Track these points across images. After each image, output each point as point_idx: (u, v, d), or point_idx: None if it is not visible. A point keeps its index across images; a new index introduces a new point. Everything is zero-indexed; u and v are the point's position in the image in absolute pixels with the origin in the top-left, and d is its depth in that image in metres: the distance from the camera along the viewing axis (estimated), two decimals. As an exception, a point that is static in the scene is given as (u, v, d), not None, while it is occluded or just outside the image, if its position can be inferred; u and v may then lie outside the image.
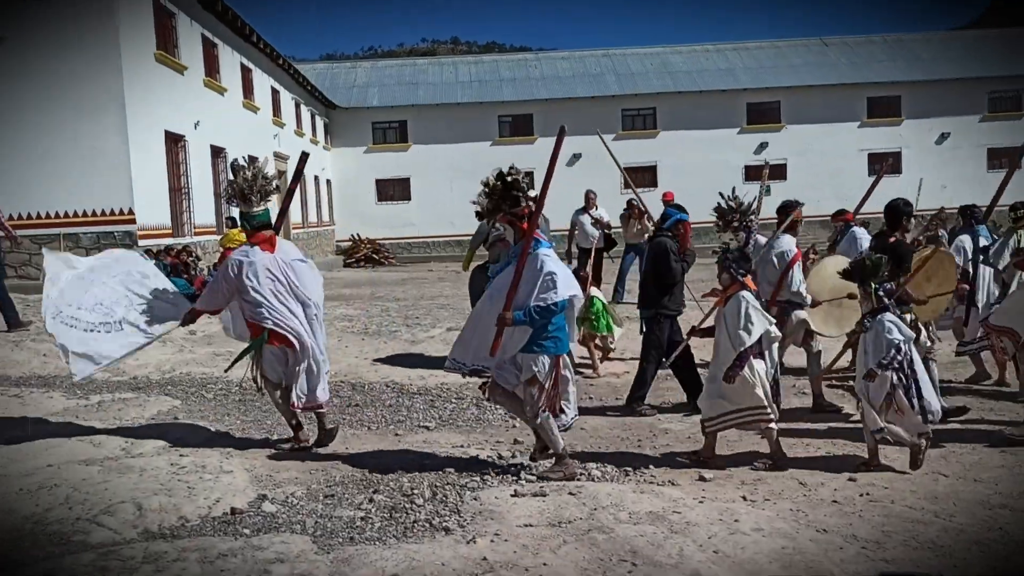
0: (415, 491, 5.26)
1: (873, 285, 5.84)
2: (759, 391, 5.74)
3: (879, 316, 5.78)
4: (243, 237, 20.18)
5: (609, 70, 38.17)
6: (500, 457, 6.20)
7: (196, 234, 19.46)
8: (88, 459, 6.05)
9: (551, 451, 5.67)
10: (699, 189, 19.14)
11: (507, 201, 5.69)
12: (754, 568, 4.11)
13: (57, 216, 16.10)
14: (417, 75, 39.18)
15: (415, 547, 4.40)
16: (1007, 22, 47.98)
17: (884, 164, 10.94)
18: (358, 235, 34.84)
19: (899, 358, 5.65)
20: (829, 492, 5.24)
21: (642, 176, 34.86)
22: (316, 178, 33.00)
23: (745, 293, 5.88)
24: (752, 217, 9.59)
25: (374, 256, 33.37)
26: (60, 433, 6.87)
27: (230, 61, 22.88)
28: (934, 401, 5.76)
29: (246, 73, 24.41)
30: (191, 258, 17.08)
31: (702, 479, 5.53)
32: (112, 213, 16.13)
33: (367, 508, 5.04)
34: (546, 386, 5.45)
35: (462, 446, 6.59)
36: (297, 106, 30.85)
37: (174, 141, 18.78)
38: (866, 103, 36.79)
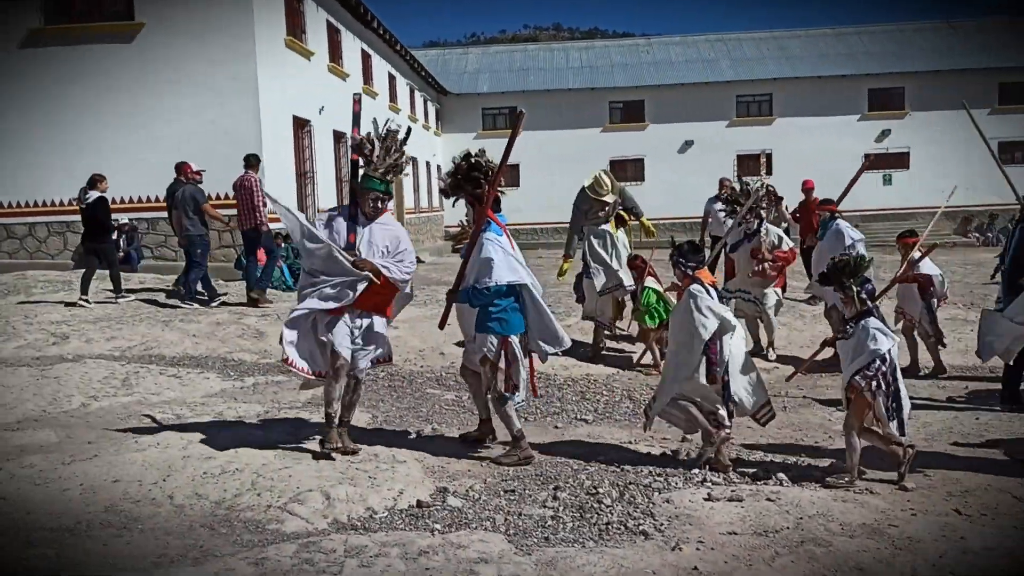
0: (599, 490, 5.07)
1: (855, 287, 5.38)
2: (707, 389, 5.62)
3: (862, 321, 5.31)
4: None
5: (723, 55, 37.23)
6: (674, 454, 5.98)
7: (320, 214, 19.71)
8: (260, 443, 6.05)
9: (511, 435, 5.86)
10: (816, 178, 18.35)
11: (469, 182, 5.96)
12: (997, 594, 3.77)
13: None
14: (527, 61, 39.01)
15: (618, 552, 4.20)
16: None
17: (865, 161, 10.39)
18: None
19: (883, 368, 5.20)
20: (1051, 510, 4.83)
21: (756, 164, 33.92)
22: (428, 164, 33.23)
23: (695, 287, 5.61)
24: (763, 205, 9.29)
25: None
26: (226, 416, 6.95)
27: (351, 47, 23.10)
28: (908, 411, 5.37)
29: (366, 59, 24.64)
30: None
31: (903, 488, 5.17)
32: (243, 197, 16.43)
33: (553, 506, 4.88)
34: (499, 365, 5.67)
35: (629, 442, 6.38)
36: (411, 92, 31.06)
37: (300, 126, 19.05)
38: (997, 89, 34.91)
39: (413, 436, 6.57)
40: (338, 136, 21.59)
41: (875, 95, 35.12)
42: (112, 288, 12.30)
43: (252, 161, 12.49)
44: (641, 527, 4.52)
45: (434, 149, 34.90)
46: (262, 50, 16.54)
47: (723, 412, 5.63)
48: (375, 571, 3.90)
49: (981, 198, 31.69)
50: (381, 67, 26.46)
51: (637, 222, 9.01)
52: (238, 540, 4.36)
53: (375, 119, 6.02)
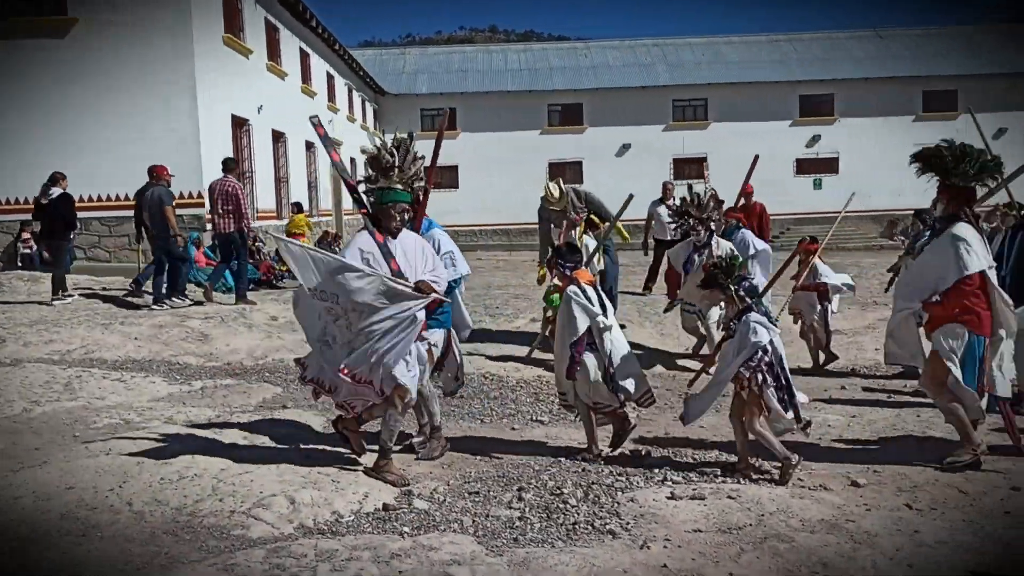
0: (564, 491, 5.12)
1: (732, 286, 5.60)
2: (599, 385, 5.84)
3: (744, 317, 5.53)
4: (308, 222, 20.17)
5: (660, 60, 37.78)
6: (634, 454, 6.06)
7: (258, 219, 19.44)
8: (216, 448, 5.96)
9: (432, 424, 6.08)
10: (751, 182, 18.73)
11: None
12: (954, 585, 3.92)
13: (127, 199, 16.09)
14: (465, 62, 39.04)
15: (588, 551, 4.25)
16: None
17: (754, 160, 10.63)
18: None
19: (766, 359, 5.41)
20: (996, 503, 5.02)
21: (692, 167, 34.53)
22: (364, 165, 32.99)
23: (571, 289, 5.86)
24: (715, 216, 9.34)
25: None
26: (177, 420, 6.83)
27: (290, 45, 22.84)
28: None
29: (304, 58, 24.37)
30: (256, 243, 17.07)
31: (855, 484, 5.33)
32: (182, 197, 16.09)
33: (519, 507, 4.90)
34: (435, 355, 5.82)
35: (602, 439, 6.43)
36: (350, 92, 30.81)
37: (239, 125, 18.76)
38: (922, 97, 36.13)
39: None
40: (277, 136, 21.32)
41: (806, 101, 36.04)
42: (52, 289, 12.00)
43: (231, 165, 12.69)
44: (608, 526, 4.57)
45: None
46: (200, 47, 16.26)
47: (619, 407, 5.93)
48: (348, 575, 3.88)
49: (907, 202, 32.68)
50: (319, 66, 26.19)
51: (610, 226, 9.07)
52: (204, 547, 4.29)
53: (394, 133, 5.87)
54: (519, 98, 36.21)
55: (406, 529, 4.56)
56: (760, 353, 5.39)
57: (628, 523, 4.62)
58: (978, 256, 5.57)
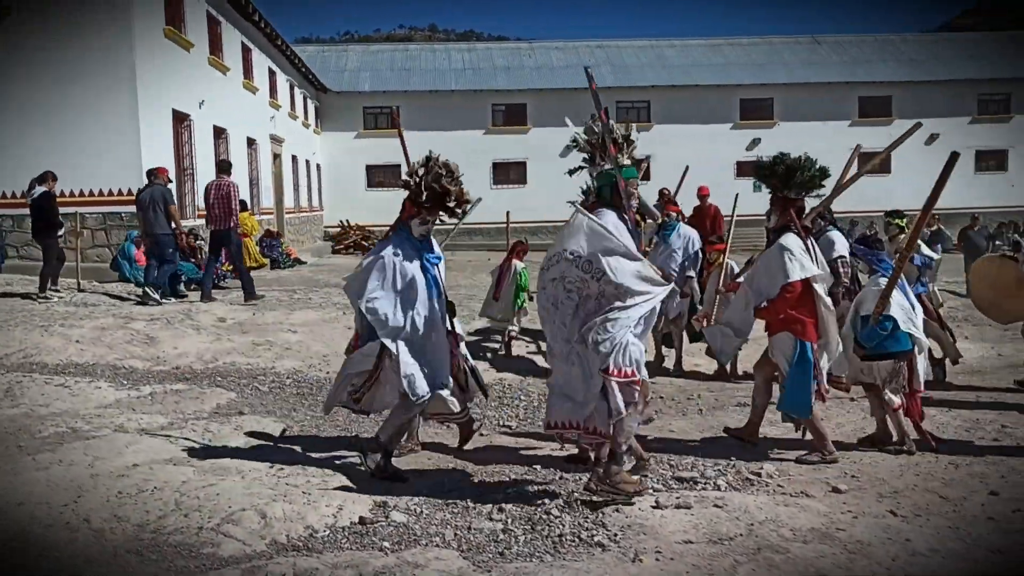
0: (545, 500, 4.95)
1: None
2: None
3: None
4: (254, 221, 19.70)
5: (604, 61, 37.89)
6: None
7: (199, 216, 18.88)
8: (173, 458, 5.67)
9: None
10: (692, 184, 18.80)
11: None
12: (954, 595, 3.86)
13: (61, 195, 15.45)
14: (409, 61, 38.64)
15: (579, 565, 4.09)
16: (984, 25, 48.54)
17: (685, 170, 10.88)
18: (347, 221, 34.37)
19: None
20: (977, 507, 5.00)
21: (637, 169, 34.68)
22: (307, 162, 32.43)
23: None
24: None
25: (363, 243, 32.88)
26: (128, 428, 6.49)
27: (232, 40, 22.25)
28: None
29: (246, 53, 23.79)
30: (198, 242, 16.59)
31: (836, 490, 5.27)
32: (121, 193, 15.57)
33: (501, 519, 4.72)
34: None
35: (560, 448, 6.28)
36: (291, 88, 30.21)
37: (180, 120, 18.18)
38: (857, 102, 36.91)
39: (338, 448, 6.28)
40: (218, 132, 20.76)
41: (746, 105, 36.52)
42: (39, 286, 12.33)
43: (225, 167, 13.45)
44: (596, 538, 4.42)
45: (313, 147, 34.08)
46: (140, 40, 15.69)
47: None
48: (332, 596, 3.67)
49: (843, 205, 33.34)
50: (261, 62, 25.60)
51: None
52: (172, 567, 4.02)
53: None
54: (463, 97, 35.96)
55: (386, 544, 4.35)
56: None
57: (616, 534, 4.48)
58: (801, 265, 5.85)
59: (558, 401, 4.98)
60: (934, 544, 4.40)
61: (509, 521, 4.69)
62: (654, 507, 4.84)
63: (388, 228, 5.77)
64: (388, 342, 5.28)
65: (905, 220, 8.58)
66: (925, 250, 8.54)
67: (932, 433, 6.43)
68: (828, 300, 5.99)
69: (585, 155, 5.34)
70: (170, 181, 13.24)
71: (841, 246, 7.79)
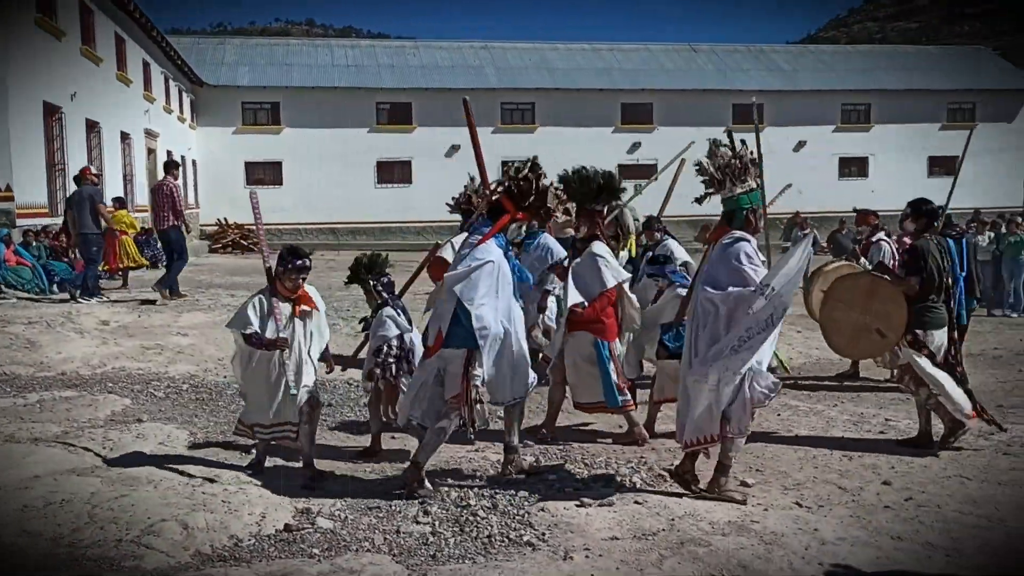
0: (471, 502, 4.99)
1: (371, 281, 6.09)
2: None
3: (380, 311, 6.00)
4: (131, 219, 18.91)
5: (488, 63, 38.09)
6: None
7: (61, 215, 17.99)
8: (76, 469, 5.42)
9: None
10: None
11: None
12: (866, 581, 4.11)
13: (-77, 191, 14.50)
14: (290, 56, 37.79)
15: (512, 565, 4.16)
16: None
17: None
18: (225, 220, 33.36)
19: (394, 352, 5.92)
20: (874, 497, 5.32)
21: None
22: (183, 158, 31.29)
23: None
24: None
25: (242, 242, 32.02)
26: (19, 438, 6.16)
27: (105, 30, 21.29)
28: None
29: (120, 43, 22.78)
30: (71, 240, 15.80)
31: (745, 484, 5.50)
32: (-12, 189, 14.68)
33: (427, 521, 4.74)
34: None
35: (476, 449, 6.33)
36: (166, 81, 29.11)
37: (51, 113, 17.27)
38: (732, 109, 38.33)
39: (249, 453, 6.13)
40: (91, 125, 19.83)
41: (627, 109, 37.40)
42: None
43: (171, 167, 13.63)
44: (525, 538, 4.50)
45: (189, 143, 32.95)
46: (10, 27, 14.83)
47: None
48: (269, 606, 3.61)
49: (708, 209, 34.60)
50: (135, 53, 24.58)
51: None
52: (92, 583, 3.87)
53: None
54: (346, 95, 35.44)
55: (316, 551, 4.30)
56: (386, 347, 5.85)
57: (544, 533, 4.56)
58: (615, 271, 6.39)
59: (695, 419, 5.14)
60: (840, 533, 4.67)
61: (436, 524, 4.71)
62: (578, 506, 4.96)
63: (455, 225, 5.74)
64: (482, 350, 5.07)
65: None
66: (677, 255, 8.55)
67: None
68: (635, 299, 6.66)
69: (707, 179, 5.35)
70: (96, 182, 13.44)
71: (680, 254, 8.50)
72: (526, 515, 4.82)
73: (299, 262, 5.44)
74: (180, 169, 14.17)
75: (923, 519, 4.95)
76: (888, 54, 44.19)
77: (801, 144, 38.41)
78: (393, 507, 4.98)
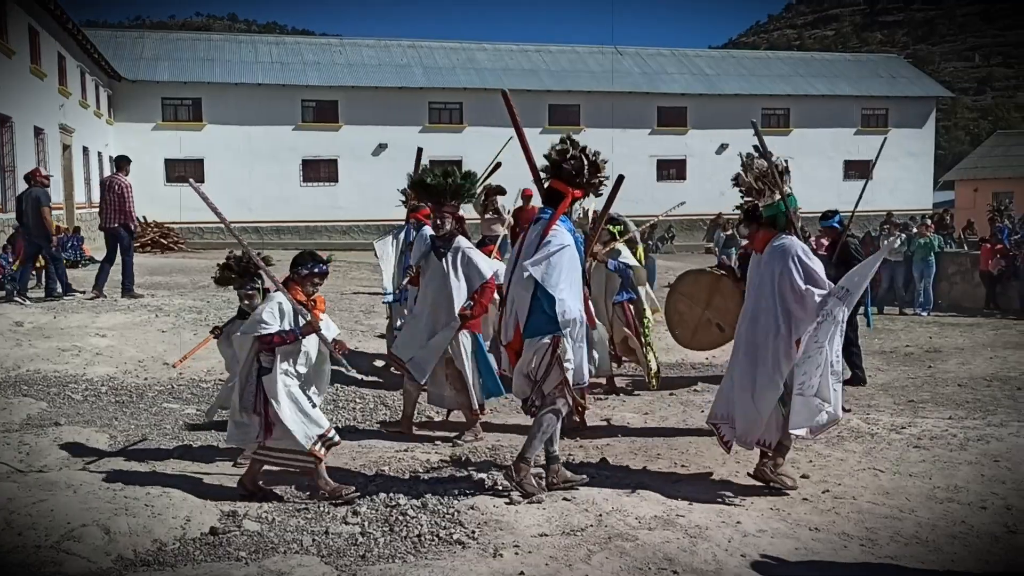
0: (400, 502, 4.99)
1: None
2: None
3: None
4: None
5: (416, 62, 37.89)
6: (454, 460, 6.02)
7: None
8: (-11, 474, 5.25)
9: None
10: (504, 186, 19.32)
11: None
12: (785, 572, 4.24)
13: None
14: (212, 51, 36.97)
15: (442, 564, 4.18)
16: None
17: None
18: (144, 218, 32.48)
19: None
20: (794, 490, 5.49)
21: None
22: (99, 154, 30.42)
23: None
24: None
25: (162, 241, 31.26)
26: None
27: (18, 21, 20.54)
28: None
29: (34, 36, 22.01)
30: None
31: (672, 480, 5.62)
32: None
33: (356, 522, 4.73)
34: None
35: (405, 449, 6.33)
36: (82, 75, 28.22)
37: (-41, 106, 16.62)
38: (656, 112, 38.94)
39: (170, 456, 6.01)
40: (3, 120, 19.14)
41: (554, 110, 37.64)
42: None
43: (122, 163, 13.21)
44: (455, 536, 4.52)
45: (106, 139, 32.01)
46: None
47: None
48: (196, 610, 3.56)
49: (645, 208, 35.12)
50: (50, 46, 23.76)
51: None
52: (9, 591, 3.76)
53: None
54: (271, 92, 34.85)
55: (243, 554, 4.25)
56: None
57: (474, 531, 4.59)
58: (487, 262, 6.63)
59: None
60: (761, 525, 4.82)
61: (366, 524, 4.70)
62: (507, 503, 5.00)
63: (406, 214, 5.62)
64: (567, 335, 5.09)
65: (620, 227, 8.83)
66: (624, 257, 8.61)
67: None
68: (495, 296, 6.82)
69: (745, 189, 5.56)
70: (47, 183, 13.06)
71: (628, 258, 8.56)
72: (456, 513, 4.84)
73: (324, 267, 5.37)
74: (131, 165, 13.47)
75: (839, 510, 5.13)
76: (806, 61, 45.34)
77: (724, 147, 39.15)
78: (322, 508, 4.96)
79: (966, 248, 21.13)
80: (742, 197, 5.74)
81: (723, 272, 7.48)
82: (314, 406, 5.21)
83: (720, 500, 5.26)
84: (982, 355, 10.93)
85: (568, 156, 5.25)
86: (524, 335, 5.11)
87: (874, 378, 9.42)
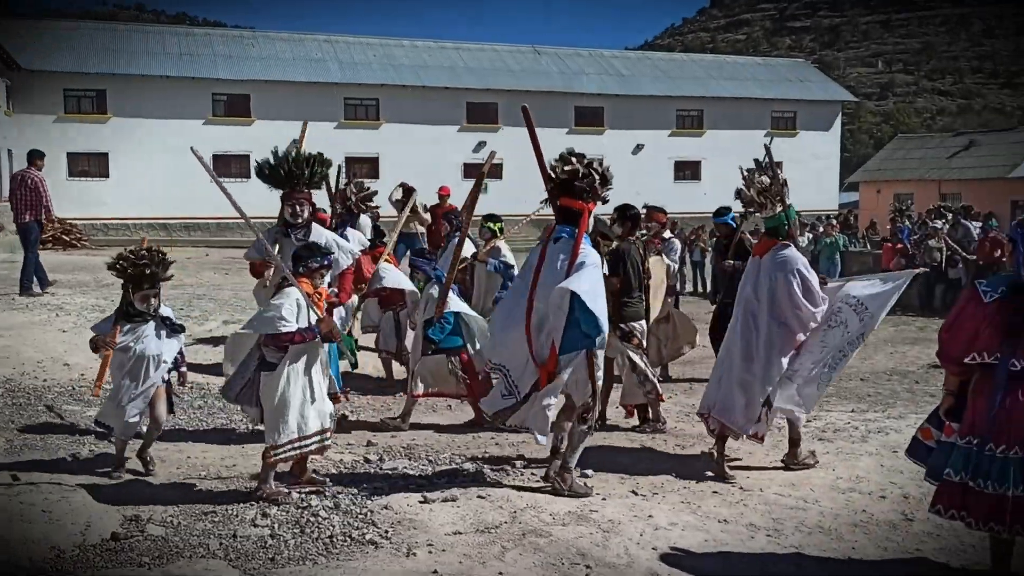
0: (312, 503, 4.90)
1: None
2: None
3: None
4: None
5: (331, 57, 37.40)
6: (368, 461, 5.95)
7: None
8: None
9: None
10: (421, 184, 19.21)
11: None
12: (695, 564, 4.31)
13: None
14: (118, 42, 35.79)
15: (354, 564, 4.12)
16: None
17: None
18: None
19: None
20: (706, 484, 5.60)
21: (363, 167, 34.59)
22: (-3, 148, 29.19)
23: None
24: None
25: (64, 237, 30.12)
26: None
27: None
28: None
29: (-76, 21, 21.00)
30: None
31: (585, 475, 5.66)
32: None
33: (266, 524, 4.62)
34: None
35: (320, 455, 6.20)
36: (-22, 64, 27.04)
37: None
38: (574, 111, 39.27)
39: (70, 460, 5.79)
40: None
41: (473, 108, 37.63)
42: None
43: (35, 157, 12.66)
44: (367, 536, 4.47)
45: (4, 131, 30.68)
46: None
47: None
48: (95, 619, 3.43)
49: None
50: (-57, 32, 22.71)
51: None
52: None
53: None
54: (180, 84, 33.94)
55: (146, 559, 4.12)
56: None
57: (387, 531, 4.55)
58: (348, 248, 6.71)
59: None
60: (672, 518, 4.89)
61: (276, 526, 4.61)
62: (422, 502, 4.96)
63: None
64: (598, 346, 5.15)
65: (499, 224, 9.03)
66: (504, 256, 8.70)
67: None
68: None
69: (746, 202, 5.87)
70: None
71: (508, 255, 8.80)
72: (369, 514, 4.78)
73: (332, 257, 5.37)
74: (45, 159, 12.75)
75: (747, 502, 5.25)
76: (719, 64, 46.35)
77: (639, 147, 39.79)
78: (230, 511, 4.83)
79: (869, 247, 21.88)
80: (744, 209, 6.17)
81: None
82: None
83: (634, 494, 5.33)
84: (883, 351, 11.34)
85: (580, 175, 5.25)
86: (560, 351, 5.10)
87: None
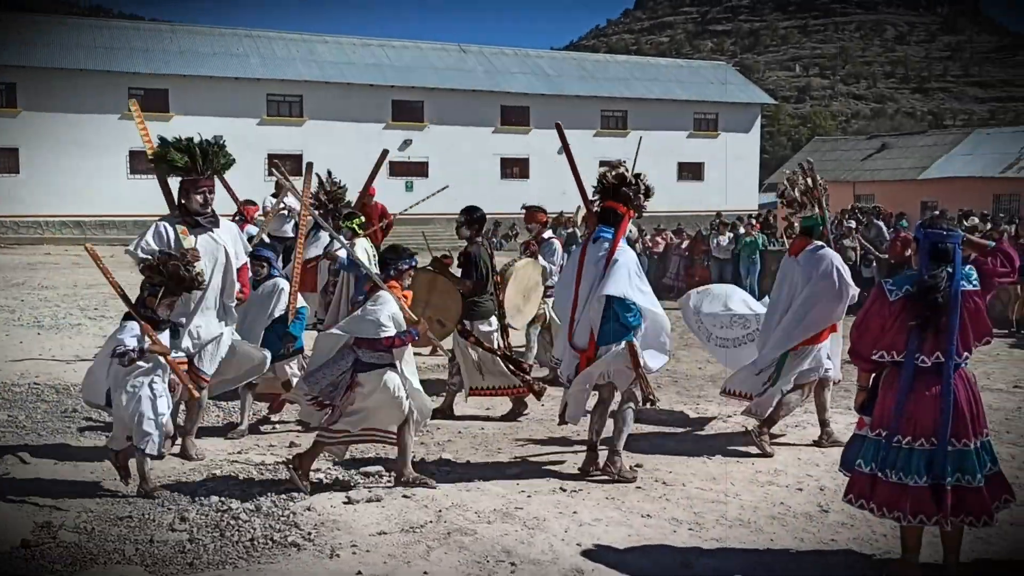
0: (231, 506, 4.81)
1: None
2: None
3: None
4: None
5: (254, 52, 36.73)
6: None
7: None
8: None
9: None
10: (347, 182, 18.98)
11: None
12: (619, 559, 4.35)
13: None
14: (32, 34, 34.52)
15: (275, 567, 4.06)
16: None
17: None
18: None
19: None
20: (628, 480, 5.66)
21: (287, 164, 34.04)
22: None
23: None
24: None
25: (-24, 239, 29.10)
26: None
27: None
28: None
29: None
30: None
31: (512, 477, 5.67)
32: None
33: (184, 528, 4.52)
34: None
35: (239, 451, 6.11)
36: None
37: None
38: (500, 110, 39.34)
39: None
40: None
41: (398, 106, 37.39)
42: None
43: None
44: (290, 538, 4.40)
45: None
46: None
47: None
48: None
49: (485, 207, 35.41)
50: None
51: None
52: None
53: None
54: (94, 78, 32.91)
55: (59, 567, 3.98)
56: None
57: (310, 533, 4.49)
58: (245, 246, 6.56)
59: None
60: (596, 514, 4.94)
61: (194, 530, 4.51)
62: (346, 503, 4.91)
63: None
64: (637, 341, 5.58)
65: (359, 221, 9.04)
66: (342, 254, 8.47)
67: None
68: None
69: (788, 201, 6.63)
70: None
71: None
72: (291, 516, 4.71)
73: (417, 258, 5.50)
74: None
75: (669, 496, 5.33)
76: (643, 66, 46.95)
77: (564, 148, 39.96)
78: (146, 515, 4.71)
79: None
80: (785, 209, 6.87)
81: (437, 271, 7.44)
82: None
83: (559, 491, 5.37)
84: (801, 347, 11.62)
85: (627, 181, 5.83)
86: (598, 342, 5.61)
87: (704, 370, 9.84)
